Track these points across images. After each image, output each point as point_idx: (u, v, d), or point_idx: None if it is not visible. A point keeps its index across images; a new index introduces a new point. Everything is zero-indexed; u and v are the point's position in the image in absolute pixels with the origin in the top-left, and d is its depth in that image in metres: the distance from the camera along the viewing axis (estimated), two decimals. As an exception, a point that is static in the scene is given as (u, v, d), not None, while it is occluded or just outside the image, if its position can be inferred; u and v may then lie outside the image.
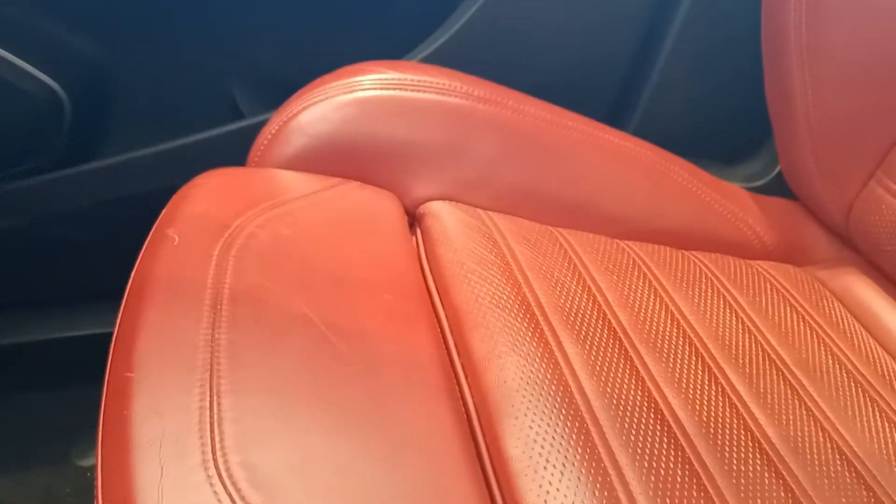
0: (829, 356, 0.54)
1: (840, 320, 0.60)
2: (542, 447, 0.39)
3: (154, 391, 0.37)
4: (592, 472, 0.39)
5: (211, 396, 0.37)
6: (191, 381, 0.37)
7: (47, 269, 0.93)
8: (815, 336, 0.57)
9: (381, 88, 0.62)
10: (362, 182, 0.61)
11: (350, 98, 0.61)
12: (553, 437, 0.40)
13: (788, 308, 0.59)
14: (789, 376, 0.51)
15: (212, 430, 0.35)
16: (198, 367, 0.38)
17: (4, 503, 0.85)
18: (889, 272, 0.65)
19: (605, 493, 0.38)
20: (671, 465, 0.40)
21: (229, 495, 0.33)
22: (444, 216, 0.59)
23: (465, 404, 0.45)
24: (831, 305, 0.62)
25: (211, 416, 0.36)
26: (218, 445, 0.35)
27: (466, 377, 0.46)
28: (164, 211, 0.52)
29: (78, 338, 0.94)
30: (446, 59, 0.79)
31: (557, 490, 0.38)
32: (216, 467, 0.34)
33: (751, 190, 0.75)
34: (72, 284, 0.95)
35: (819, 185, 0.70)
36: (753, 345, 0.53)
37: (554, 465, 0.39)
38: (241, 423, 0.36)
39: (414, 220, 0.62)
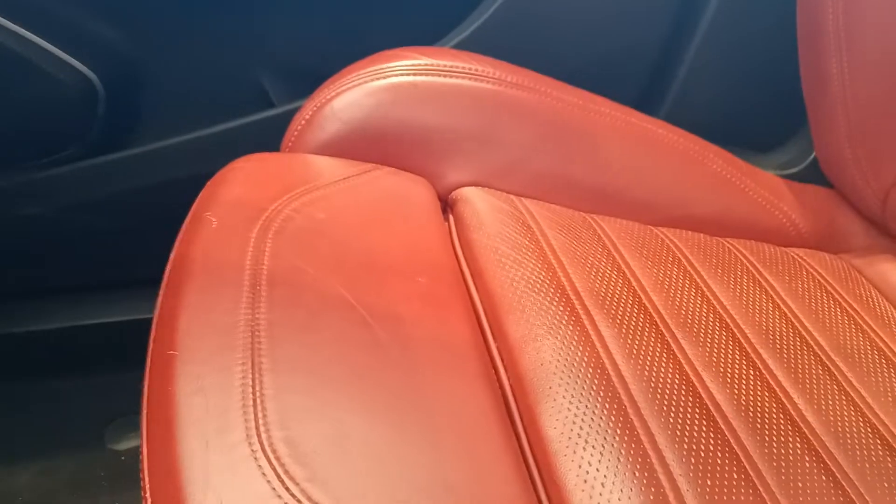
0: (867, 341, 0.54)
1: (876, 306, 0.59)
2: (581, 428, 0.39)
3: (197, 369, 0.37)
4: (632, 452, 0.39)
5: (253, 375, 0.37)
6: (232, 359, 0.38)
7: (79, 255, 0.94)
8: (851, 322, 0.56)
9: (414, 74, 0.62)
10: (395, 168, 0.61)
11: (382, 84, 0.61)
12: (591, 419, 0.40)
13: (824, 294, 0.59)
14: (827, 361, 0.51)
15: (254, 407, 0.36)
16: (239, 347, 0.39)
17: (40, 488, 0.86)
18: (927, 260, 0.65)
19: (646, 474, 0.38)
20: (711, 447, 0.40)
21: (273, 469, 0.33)
22: (477, 202, 0.59)
23: (501, 387, 0.45)
24: (867, 292, 0.61)
25: (253, 394, 0.36)
26: (261, 422, 0.35)
27: (503, 360, 0.46)
28: (201, 195, 0.53)
29: (109, 324, 0.95)
30: (476, 47, 0.79)
31: (597, 470, 0.38)
32: (260, 443, 0.34)
33: (785, 177, 0.74)
34: (103, 271, 0.96)
35: (855, 173, 0.69)
36: (790, 330, 0.53)
37: (593, 447, 0.39)
38: (282, 400, 0.37)
39: (446, 205, 0.62)
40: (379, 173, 0.60)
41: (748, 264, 0.60)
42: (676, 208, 0.66)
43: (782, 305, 0.55)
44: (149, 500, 0.34)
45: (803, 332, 0.53)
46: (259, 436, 0.34)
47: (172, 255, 0.48)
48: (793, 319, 0.54)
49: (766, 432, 0.43)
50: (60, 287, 0.96)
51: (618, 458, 0.38)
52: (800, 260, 0.63)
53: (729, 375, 0.46)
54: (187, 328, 0.40)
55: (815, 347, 0.52)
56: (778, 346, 0.50)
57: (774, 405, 0.45)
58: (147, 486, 0.34)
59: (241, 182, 0.54)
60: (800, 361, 0.50)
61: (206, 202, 0.51)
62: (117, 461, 0.89)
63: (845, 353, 0.52)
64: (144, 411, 0.37)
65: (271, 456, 0.33)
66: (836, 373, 0.50)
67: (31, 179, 0.85)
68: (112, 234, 0.92)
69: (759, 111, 0.90)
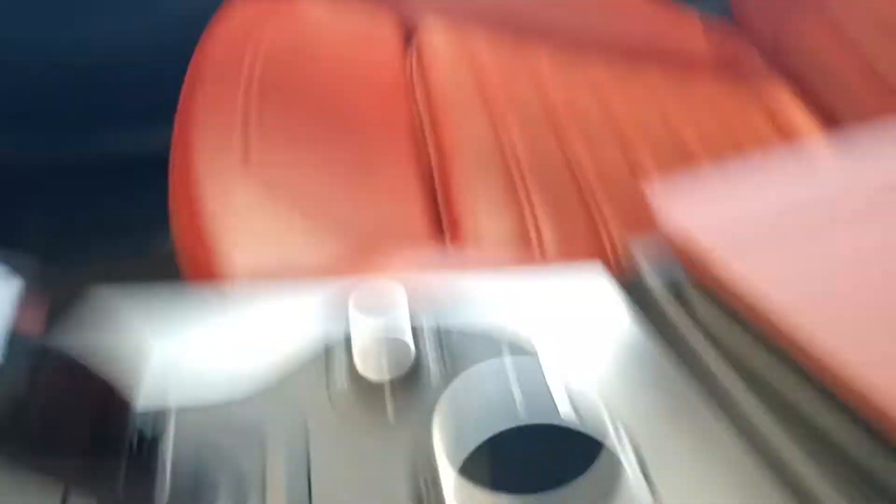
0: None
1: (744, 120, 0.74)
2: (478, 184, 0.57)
3: (207, 133, 0.55)
4: (510, 192, 0.56)
5: (245, 134, 0.55)
6: (233, 122, 0.56)
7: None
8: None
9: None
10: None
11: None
12: (488, 176, 0.57)
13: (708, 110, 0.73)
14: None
15: (246, 150, 0.54)
16: (238, 112, 0.56)
17: (105, 277, 1.04)
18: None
19: (516, 206, 0.56)
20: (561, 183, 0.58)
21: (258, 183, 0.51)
22: (438, 43, 0.73)
23: (430, 167, 0.61)
24: (746, 109, 0.75)
25: (245, 143, 0.54)
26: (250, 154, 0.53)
27: (434, 145, 0.63)
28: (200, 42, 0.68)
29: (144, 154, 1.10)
30: None
31: (485, 204, 0.55)
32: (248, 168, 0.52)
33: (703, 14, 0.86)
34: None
35: (753, 9, 0.81)
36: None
37: (484, 194, 0.56)
38: (264, 151, 0.54)
39: (411, 36, 0.76)
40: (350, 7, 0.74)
41: (654, 87, 0.74)
42: (602, 40, 0.80)
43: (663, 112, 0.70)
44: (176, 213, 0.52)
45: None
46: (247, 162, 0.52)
47: (185, 77, 0.64)
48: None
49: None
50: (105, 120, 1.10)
51: (498, 196, 0.56)
52: (700, 86, 0.77)
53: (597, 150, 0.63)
54: (201, 108, 0.57)
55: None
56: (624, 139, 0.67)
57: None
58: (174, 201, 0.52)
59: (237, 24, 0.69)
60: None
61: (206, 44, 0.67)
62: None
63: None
64: (172, 161, 0.55)
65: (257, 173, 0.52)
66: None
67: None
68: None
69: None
